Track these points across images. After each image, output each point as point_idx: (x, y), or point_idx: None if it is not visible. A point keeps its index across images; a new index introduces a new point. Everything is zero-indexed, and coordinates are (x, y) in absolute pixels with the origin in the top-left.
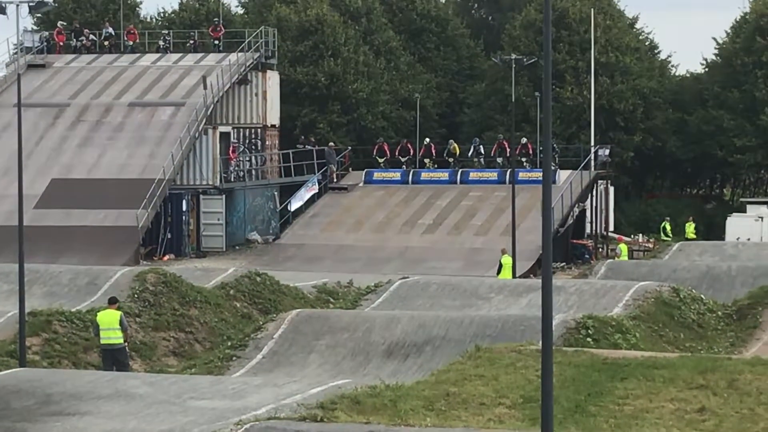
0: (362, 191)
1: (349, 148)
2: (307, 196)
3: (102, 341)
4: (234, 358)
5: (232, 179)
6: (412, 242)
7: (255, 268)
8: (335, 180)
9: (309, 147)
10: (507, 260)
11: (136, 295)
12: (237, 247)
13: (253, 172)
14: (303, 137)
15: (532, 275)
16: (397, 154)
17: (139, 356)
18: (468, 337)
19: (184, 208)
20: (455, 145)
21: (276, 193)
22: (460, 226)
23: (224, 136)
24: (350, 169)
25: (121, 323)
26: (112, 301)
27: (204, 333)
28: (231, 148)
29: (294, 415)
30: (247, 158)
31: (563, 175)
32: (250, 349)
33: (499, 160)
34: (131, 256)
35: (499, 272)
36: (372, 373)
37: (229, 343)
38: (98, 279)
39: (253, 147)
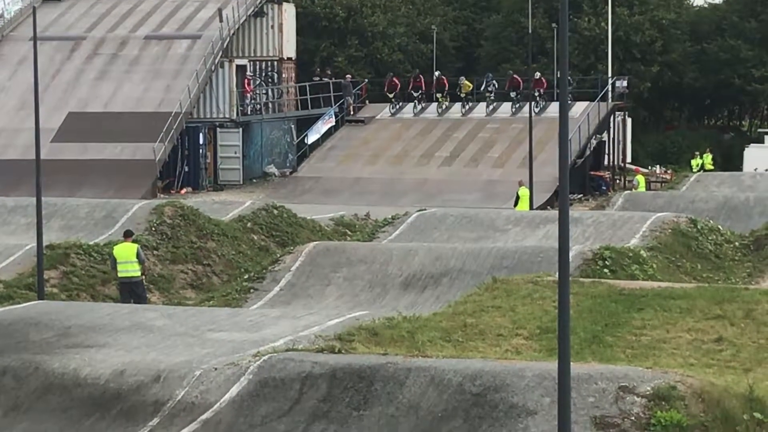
0: (379, 124)
1: (366, 80)
2: (324, 128)
3: (119, 274)
4: (251, 291)
5: (249, 112)
6: (429, 174)
7: (272, 201)
8: (352, 113)
9: (326, 80)
10: (524, 192)
11: (153, 228)
12: (254, 180)
13: (270, 105)
14: (319, 70)
15: (549, 207)
16: (409, 88)
17: (156, 289)
18: (485, 269)
19: (201, 142)
20: (466, 81)
21: (293, 125)
22: (478, 158)
23: (240, 69)
24: (367, 101)
25: (138, 256)
26: (128, 234)
27: (221, 265)
28: (246, 81)
29: (312, 346)
30: (264, 91)
31: (580, 106)
32: (268, 281)
33: (513, 94)
34: (148, 189)
35: (516, 204)
36: (389, 305)
37: (247, 276)
38: (115, 212)
39: (270, 80)
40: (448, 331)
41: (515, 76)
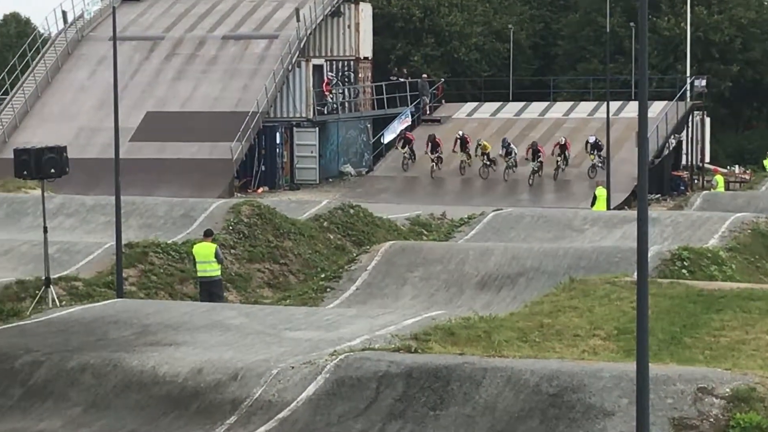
0: (455, 123)
1: (443, 80)
2: (401, 128)
3: (198, 273)
4: (328, 290)
5: (326, 112)
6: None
7: (348, 200)
8: (428, 112)
9: (402, 79)
10: (601, 192)
11: (231, 227)
12: (330, 180)
13: (346, 104)
14: (396, 69)
15: (626, 207)
16: (427, 149)
17: (234, 287)
18: (562, 269)
19: (278, 141)
20: (485, 142)
21: (369, 125)
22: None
23: (317, 69)
24: (443, 101)
25: (216, 255)
26: (208, 234)
27: (298, 265)
28: (325, 81)
29: (388, 346)
30: (340, 91)
31: (658, 106)
32: (344, 280)
33: (533, 164)
34: (225, 188)
35: (593, 204)
36: (465, 305)
37: (323, 275)
38: (193, 211)
39: (346, 79)
40: (525, 331)
41: (539, 145)
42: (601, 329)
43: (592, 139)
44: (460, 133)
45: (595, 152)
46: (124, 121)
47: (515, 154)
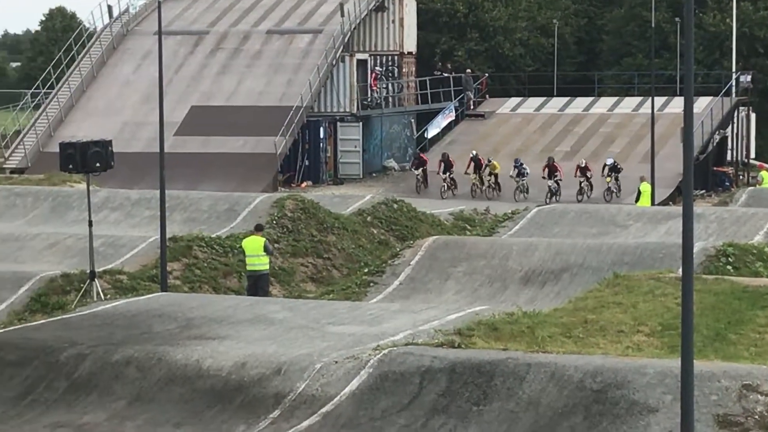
0: (499, 118)
1: (487, 74)
2: (444, 123)
3: (247, 267)
4: (371, 284)
5: (370, 106)
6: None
7: (392, 195)
8: (472, 107)
9: (446, 74)
10: (646, 187)
11: (274, 222)
12: (374, 174)
13: (390, 99)
14: (440, 64)
15: (670, 203)
16: (439, 171)
17: (277, 282)
18: (606, 265)
19: (322, 135)
20: (495, 162)
21: (413, 120)
22: (599, 153)
23: (361, 64)
24: (487, 96)
25: (265, 248)
26: (258, 228)
27: (341, 259)
28: (373, 76)
29: (431, 341)
30: (384, 85)
31: (703, 101)
32: (388, 275)
33: (550, 183)
34: (269, 182)
35: (637, 200)
36: (509, 300)
37: (367, 270)
38: (237, 205)
39: (390, 74)
40: (569, 326)
41: (555, 163)
42: (645, 325)
43: (609, 161)
44: (474, 152)
45: (613, 175)
46: (169, 115)
47: (528, 174)
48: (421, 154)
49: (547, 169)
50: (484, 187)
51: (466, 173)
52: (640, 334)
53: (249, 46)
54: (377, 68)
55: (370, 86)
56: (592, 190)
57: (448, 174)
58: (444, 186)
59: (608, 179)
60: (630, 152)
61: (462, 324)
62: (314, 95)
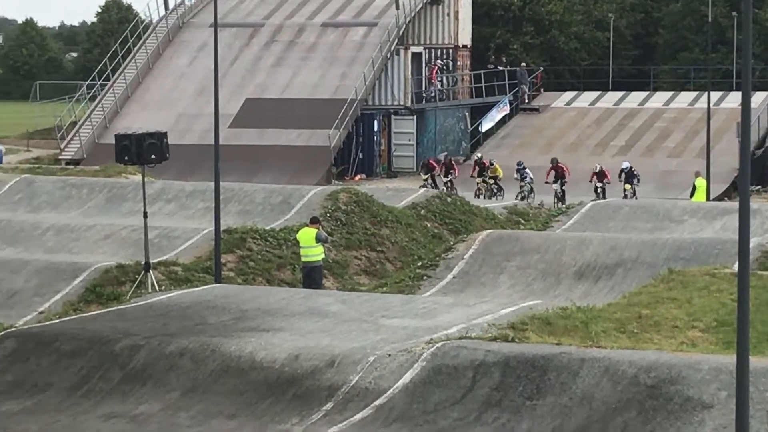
0: (553, 112)
1: (542, 68)
2: (499, 116)
3: (302, 258)
4: (424, 278)
5: (424, 100)
6: (604, 164)
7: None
8: (527, 101)
9: (501, 67)
10: (701, 183)
11: (328, 214)
12: None
13: (445, 92)
14: (494, 57)
15: (725, 198)
16: (440, 171)
17: (331, 274)
18: (660, 260)
19: (376, 129)
20: (497, 165)
21: (467, 113)
22: (653, 148)
23: (416, 57)
24: (542, 89)
25: (317, 238)
26: (313, 221)
27: (395, 252)
28: (433, 69)
29: (485, 335)
30: (439, 79)
31: (760, 96)
32: (441, 269)
33: (556, 187)
34: (323, 175)
35: (692, 195)
36: (563, 295)
37: (420, 263)
38: (291, 198)
39: (445, 67)
40: (623, 322)
41: (560, 164)
42: (699, 321)
43: (625, 165)
44: (478, 155)
45: (632, 181)
46: (224, 107)
47: (531, 179)
48: (431, 160)
49: (552, 172)
50: (485, 192)
51: (471, 176)
52: (695, 329)
53: (304, 38)
54: (438, 61)
55: (430, 79)
56: (605, 196)
57: (449, 178)
58: (443, 190)
59: (627, 186)
60: (685, 147)
61: (515, 318)
62: (368, 88)
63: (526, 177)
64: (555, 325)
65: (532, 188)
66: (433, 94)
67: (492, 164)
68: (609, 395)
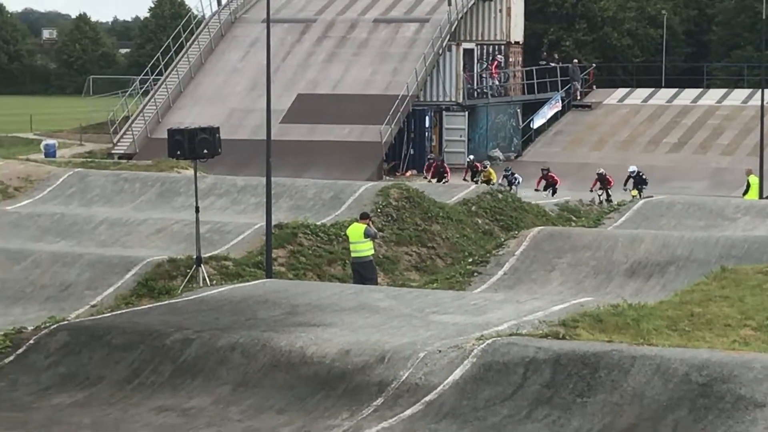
0: (606, 109)
1: (594, 65)
2: (551, 113)
3: (351, 255)
4: (475, 274)
5: (476, 96)
6: (656, 161)
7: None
8: (579, 97)
9: (553, 64)
10: (754, 180)
11: (379, 210)
12: None
13: (497, 88)
14: (546, 54)
15: None
16: (430, 175)
17: (381, 270)
18: (713, 258)
19: (427, 125)
20: (490, 168)
21: (519, 110)
22: (706, 146)
23: (468, 53)
24: (594, 86)
25: (366, 233)
26: (363, 217)
27: (445, 248)
28: (494, 64)
29: (536, 331)
30: (490, 75)
31: None
32: (492, 265)
33: (545, 193)
34: (374, 171)
35: (745, 193)
36: (614, 292)
37: (471, 259)
38: (342, 193)
39: (489, 64)
40: (674, 319)
41: (551, 173)
42: (752, 319)
43: (632, 170)
44: (471, 158)
45: (640, 187)
46: (276, 102)
47: (519, 182)
48: (429, 159)
49: (543, 182)
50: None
51: (464, 180)
52: (747, 328)
53: (356, 34)
54: (499, 56)
55: (491, 74)
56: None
57: (444, 181)
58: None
59: (633, 192)
60: (738, 145)
61: (566, 315)
62: (420, 84)
63: (513, 182)
64: (606, 323)
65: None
66: (488, 89)
67: (486, 168)
68: (660, 393)
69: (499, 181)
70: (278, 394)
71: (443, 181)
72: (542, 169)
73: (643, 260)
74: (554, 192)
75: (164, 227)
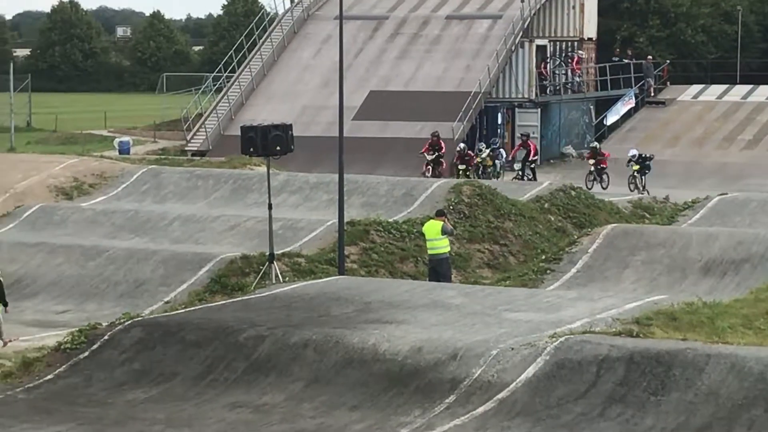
0: (680, 105)
1: (668, 61)
2: (624, 110)
3: (428, 251)
4: (548, 272)
5: (548, 92)
6: (730, 158)
7: (569, 182)
8: (652, 94)
9: (626, 60)
10: None
11: (451, 207)
12: (551, 161)
13: (569, 85)
14: (619, 50)
15: None
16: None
17: (454, 267)
18: None
19: (500, 121)
20: (487, 155)
21: (592, 106)
22: None
23: (540, 49)
24: (668, 83)
25: (443, 230)
26: (439, 214)
27: (518, 246)
28: (576, 60)
29: (609, 329)
30: (563, 72)
31: None
32: (565, 262)
33: (517, 166)
34: (447, 168)
35: None
36: (688, 290)
37: (544, 257)
38: (414, 190)
39: (570, 60)
40: (750, 318)
41: (530, 141)
42: None
43: (633, 153)
44: (462, 146)
45: (642, 172)
46: (348, 99)
47: (503, 158)
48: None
49: (522, 150)
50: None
51: (454, 162)
52: None
53: (428, 31)
54: (580, 52)
55: (572, 69)
56: (601, 178)
57: (435, 155)
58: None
59: (635, 167)
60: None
61: (640, 313)
62: (492, 81)
63: (498, 157)
64: (680, 321)
65: (502, 166)
66: (560, 86)
67: (481, 151)
68: (735, 392)
69: (483, 155)
70: (351, 391)
71: (438, 156)
72: (522, 135)
73: (718, 258)
74: (531, 163)
75: (237, 224)
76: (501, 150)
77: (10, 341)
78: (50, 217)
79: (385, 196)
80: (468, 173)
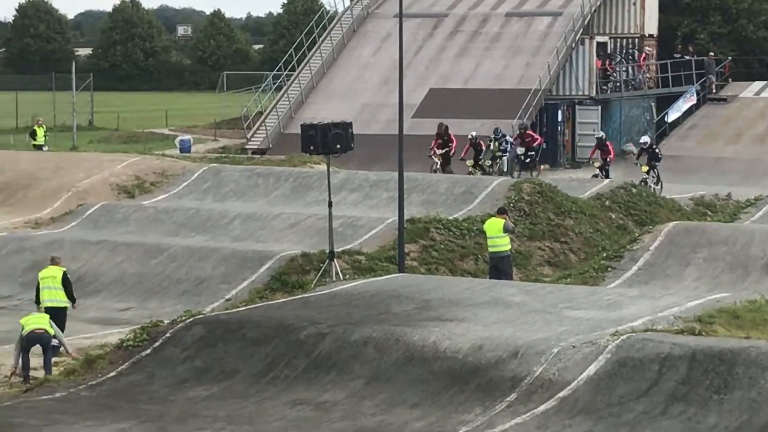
0: (742, 102)
1: (730, 58)
2: (685, 107)
3: (489, 249)
4: (609, 269)
5: (609, 90)
6: None
7: (630, 179)
8: (714, 91)
9: (687, 57)
10: None
11: (512, 205)
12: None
13: (630, 82)
14: (681, 47)
15: None
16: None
17: (514, 265)
18: None
19: (560, 119)
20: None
21: (653, 104)
22: None
23: (601, 46)
24: (730, 79)
25: (505, 228)
26: (501, 211)
27: (579, 243)
28: (643, 56)
29: (671, 327)
30: (624, 68)
31: None
32: (626, 260)
33: (520, 150)
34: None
35: None
36: (751, 288)
37: (605, 254)
38: (474, 188)
39: (630, 57)
40: None
41: (529, 131)
42: None
43: (645, 140)
44: (473, 134)
45: (653, 164)
46: (408, 97)
47: (510, 145)
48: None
49: (518, 140)
50: (479, 174)
51: (462, 159)
52: None
53: (488, 28)
54: (647, 48)
55: (639, 65)
56: (606, 175)
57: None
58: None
59: (644, 168)
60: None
61: (702, 311)
62: (553, 78)
63: (504, 145)
64: (743, 319)
65: (501, 157)
66: (613, 86)
67: (492, 147)
68: None
69: (493, 143)
70: (411, 388)
71: (448, 151)
72: (520, 126)
73: None
74: (529, 150)
75: (297, 222)
76: (507, 138)
77: (15, 373)
78: (112, 215)
79: (445, 194)
80: (480, 162)
